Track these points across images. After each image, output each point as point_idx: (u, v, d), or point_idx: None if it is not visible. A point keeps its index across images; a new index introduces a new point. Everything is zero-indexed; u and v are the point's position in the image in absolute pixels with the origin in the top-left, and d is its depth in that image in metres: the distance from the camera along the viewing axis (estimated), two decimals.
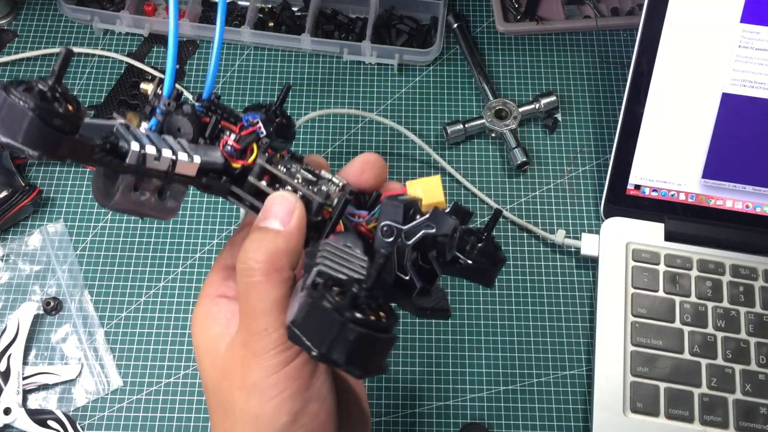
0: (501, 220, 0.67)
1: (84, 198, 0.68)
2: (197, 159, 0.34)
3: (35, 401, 0.59)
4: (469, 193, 0.68)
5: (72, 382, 0.60)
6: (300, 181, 0.37)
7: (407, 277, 0.34)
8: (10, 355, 0.60)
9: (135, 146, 0.31)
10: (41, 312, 0.63)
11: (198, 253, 0.66)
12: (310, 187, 0.37)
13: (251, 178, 0.37)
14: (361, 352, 0.28)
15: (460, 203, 0.35)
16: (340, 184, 0.37)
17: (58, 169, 0.69)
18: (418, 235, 0.34)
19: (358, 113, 0.72)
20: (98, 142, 0.31)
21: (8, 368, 0.59)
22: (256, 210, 0.36)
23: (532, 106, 0.71)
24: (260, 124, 0.37)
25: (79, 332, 0.62)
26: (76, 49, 0.75)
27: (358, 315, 0.28)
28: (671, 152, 0.63)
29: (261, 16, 0.77)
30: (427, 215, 0.34)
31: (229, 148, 0.37)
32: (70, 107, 0.29)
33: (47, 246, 0.66)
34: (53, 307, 0.63)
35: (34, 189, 0.66)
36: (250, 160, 0.37)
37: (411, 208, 0.35)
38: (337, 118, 0.72)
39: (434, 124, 0.72)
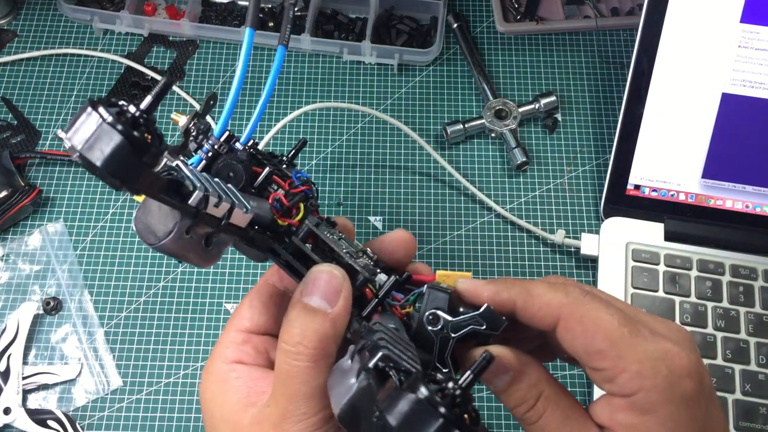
0: (501, 220, 0.67)
1: (84, 198, 0.68)
2: (251, 211, 0.32)
3: (35, 401, 0.59)
4: (469, 193, 0.68)
5: (72, 382, 0.60)
6: (345, 251, 0.36)
7: (446, 370, 0.34)
8: (10, 355, 0.60)
9: (200, 188, 0.30)
10: (41, 312, 0.63)
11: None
12: (356, 260, 0.36)
13: (296, 240, 0.36)
14: None
15: (491, 309, 0.33)
16: (374, 258, 0.37)
17: (58, 169, 0.69)
18: (465, 330, 0.33)
19: (361, 109, 0.72)
20: (167, 178, 0.29)
21: (8, 368, 0.59)
22: (294, 272, 0.35)
23: (532, 106, 0.71)
24: (310, 185, 0.37)
25: (78, 332, 0.62)
26: (74, 50, 0.75)
27: (458, 416, 0.26)
28: (671, 152, 0.63)
29: (261, 16, 0.77)
30: (479, 310, 0.33)
31: (276, 203, 0.36)
32: (149, 137, 0.27)
33: (47, 246, 0.66)
34: (53, 307, 0.63)
35: (34, 189, 0.66)
36: (297, 219, 0.36)
37: (454, 299, 0.35)
38: (337, 117, 0.72)
39: (434, 124, 0.72)
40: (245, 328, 0.38)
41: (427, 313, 0.34)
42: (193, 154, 0.35)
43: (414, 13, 0.78)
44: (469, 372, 0.28)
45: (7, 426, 0.58)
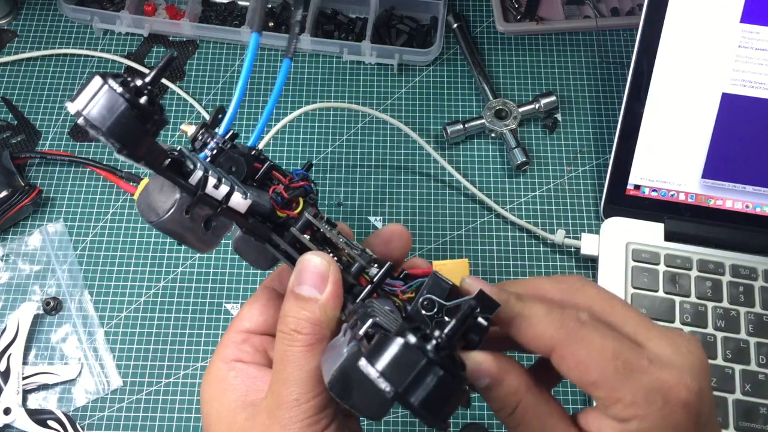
0: (501, 220, 0.67)
1: (84, 198, 0.68)
2: (250, 197, 0.34)
3: (35, 401, 0.59)
4: (469, 193, 0.68)
5: (72, 382, 0.60)
6: (341, 240, 0.37)
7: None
8: (10, 355, 0.60)
9: (200, 168, 0.32)
10: (41, 312, 0.63)
11: (198, 252, 0.66)
12: (352, 249, 0.37)
13: (294, 230, 0.37)
14: (438, 397, 0.27)
15: (485, 292, 0.33)
16: (373, 257, 0.38)
17: (58, 169, 0.69)
18: (459, 314, 0.33)
19: (361, 109, 0.72)
20: (170, 153, 0.31)
21: (8, 368, 0.59)
22: (292, 261, 0.36)
23: (532, 106, 0.71)
24: (309, 181, 0.38)
25: (79, 332, 0.62)
26: (74, 50, 0.75)
27: (443, 357, 0.27)
28: (671, 152, 0.63)
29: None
30: (472, 296, 0.33)
31: (276, 196, 0.37)
32: (151, 107, 0.29)
33: (47, 246, 0.66)
34: (53, 307, 0.63)
35: (34, 189, 0.66)
36: (296, 212, 0.37)
37: (455, 292, 0.35)
38: (337, 117, 0.72)
39: (434, 124, 0.72)
40: (245, 329, 0.39)
41: (422, 299, 0.34)
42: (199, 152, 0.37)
43: (414, 13, 0.78)
44: (454, 321, 0.29)
45: (7, 426, 0.58)
